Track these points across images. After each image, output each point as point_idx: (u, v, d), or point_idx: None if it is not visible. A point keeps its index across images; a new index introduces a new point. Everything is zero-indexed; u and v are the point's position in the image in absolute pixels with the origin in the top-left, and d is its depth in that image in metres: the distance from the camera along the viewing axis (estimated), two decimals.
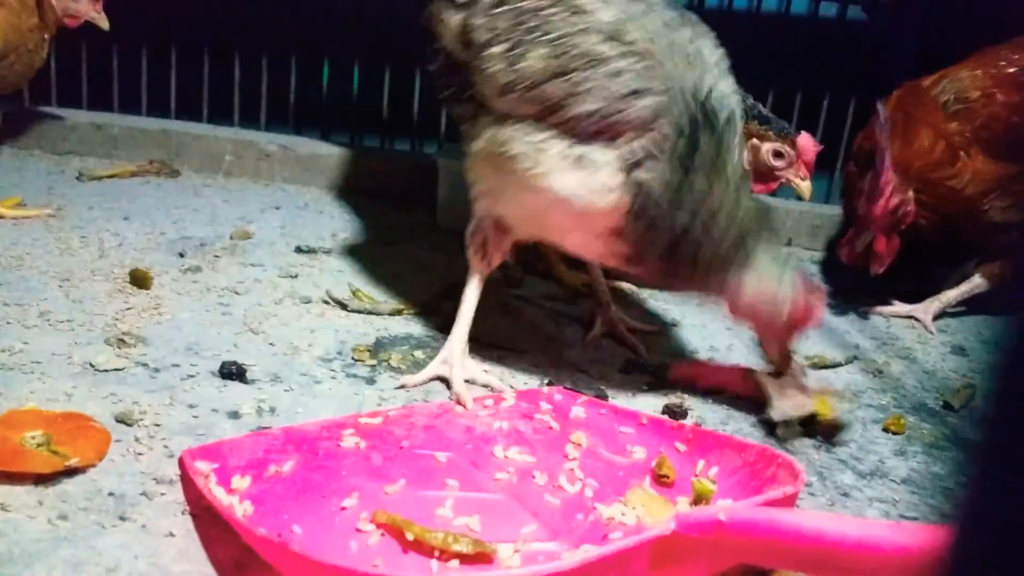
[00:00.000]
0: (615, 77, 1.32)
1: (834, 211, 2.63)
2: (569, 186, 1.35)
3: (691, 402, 1.56)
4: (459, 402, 1.42)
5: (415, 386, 1.48)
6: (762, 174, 2.00)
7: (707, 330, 1.97)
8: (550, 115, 1.35)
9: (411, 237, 2.44)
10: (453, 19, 1.48)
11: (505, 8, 1.40)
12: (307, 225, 2.38)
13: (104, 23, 2.21)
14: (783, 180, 1.97)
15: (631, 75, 1.32)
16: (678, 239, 1.37)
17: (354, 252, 2.21)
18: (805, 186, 1.96)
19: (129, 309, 1.65)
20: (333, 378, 1.48)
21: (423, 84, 3.09)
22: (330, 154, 2.86)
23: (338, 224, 2.44)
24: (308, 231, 2.32)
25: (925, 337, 2.13)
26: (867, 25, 3.21)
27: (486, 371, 1.56)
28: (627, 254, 1.43)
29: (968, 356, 2.02)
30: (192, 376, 1.41)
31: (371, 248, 2.26)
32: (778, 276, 1.41)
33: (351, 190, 2.84)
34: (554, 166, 1.35)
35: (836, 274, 2.58)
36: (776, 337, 1.48)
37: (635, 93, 1.33)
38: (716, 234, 1.37)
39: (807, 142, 1.94)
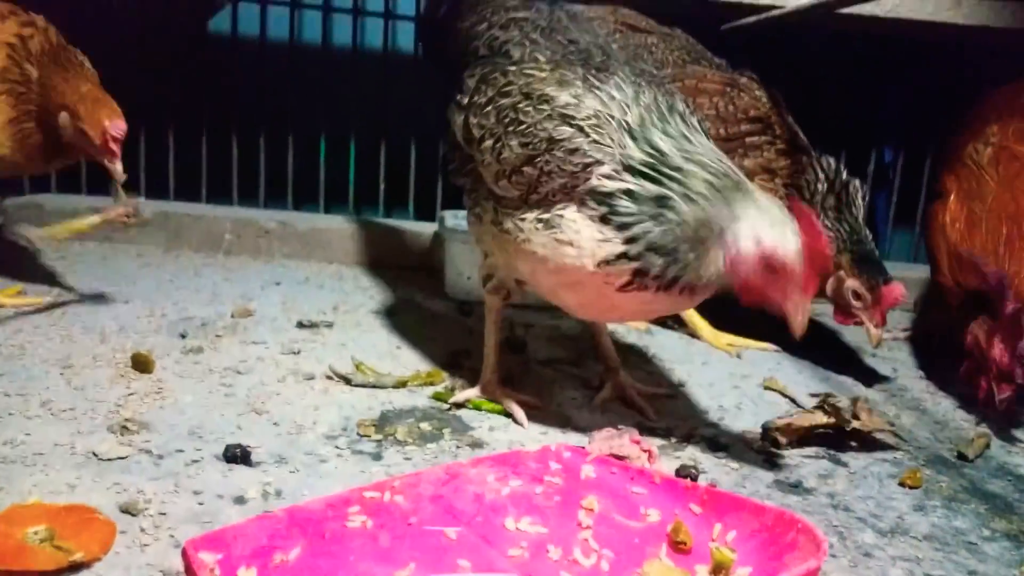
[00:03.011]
0: (572, 154, 1.44)
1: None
2: (544, 245, 1.48)
3: (704, 463, 1.54)
4: (515, 420, 1.66)
5: (459, 404, 1.71)
6: (841, 306, 2.07)
7: (715, 389, 1.95)
8: (530, 193, 1.50)
9: (412, 306, 2.44)
10: (458, 118, 1.64)
11: (491, 107, 1.56)
12: (308, 300, 2.38)
13: (118, 174, 1.98)
14: (858, 320, 2.03)
15: (585, 149, 1.43)
16: (663, 228, 1.39)
17: (356, 325, 2.20)
18: (875, 333, 2.01)
19: (131, 394, 1.63)
20: (339, 456, 1.45)
21: (418, 156, 3.14)
22: (329, 228, 2.89)
23: (339, 297, 2.44)
24: (309, 306, 2.32)
25: (934, 388, 2.11)
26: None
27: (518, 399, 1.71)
28: (627, 280, 1.43)
29: (976, 404, 2.00)
30: (196, 461, 1.39)
31: (373, 320, 2.26)
32: (772, 219, 1.38)
33: (351, 262, 2.86)
34: (530, 232, 1.50)
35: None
36: (791, 295, 1.39)
37: (594, 164, 1.43)
38: (698, 206, 1.38)
39: (891, 293, 1.97)
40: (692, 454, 1.58)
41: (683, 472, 1.47)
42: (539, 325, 2.33)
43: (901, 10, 2.42)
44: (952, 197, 2.06)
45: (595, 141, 1.44)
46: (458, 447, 1.53)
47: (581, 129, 1.45)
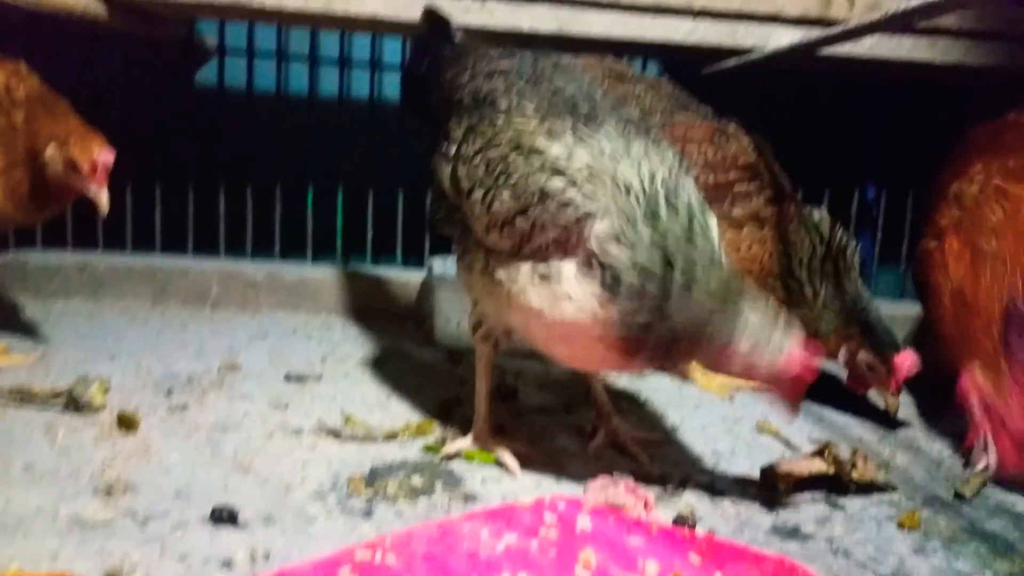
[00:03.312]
0: (564, 208, 1.43)
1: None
2: (540, 298, 1.47)
3: (702, 510, 1.51)
4: (508, 470, 1.63)
5: (451, 456, 1.68)
6: (855, 376, 2.08)
7: (708, 433, 1.93)
8: (523, 245, 1.49)
9: (401, 356, 2.42)
10: (445, 169, 1.63)
11: (480, 158, 1.56)
12: (296, 352, 2.36)
13: (104, 204, 1.98)
14: (872, 389, 2.05)
15: (578, 202, 1.43)
16: (663, 316, 1.41)
17: (345, 376, 2.18)
18: (892, 402, 2.02)
19: (117, 455, 1.60)
20: (329, 514, 1.42)
21: (406, 203, 3.15)
22: (317, 278, 2.88)
23: (327, 348, 2.42)
24: (297, 358, 2.30)
25: (928, 426, 2.10)
26: None
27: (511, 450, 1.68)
28: (621, 350, 1.45)
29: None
30: (183, 523, 1.36)
31: (362, 370, 2.24)
32: (768, 337, 1.43)
33: (340, 312, 2.84)
34: (526, 284, 1.48)
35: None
36: (780, 391, 1.49)
37: (587, 216, 1.43)
38: (699, 304, 1.41)
39: (904, 362, 1.98)
40: (689, 501, 1.56)
41: (680, 521, 1.45)
42: (530, 372, 2.31)
43: (879, 50, 2.46)
44: (951, 236, 2.03)
45: (588, 195, 1.43)
46: (450, 501, 1.50)
47: (574, 182, 1.44)
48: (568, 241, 1.44)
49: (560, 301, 1.45)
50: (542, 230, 1.46)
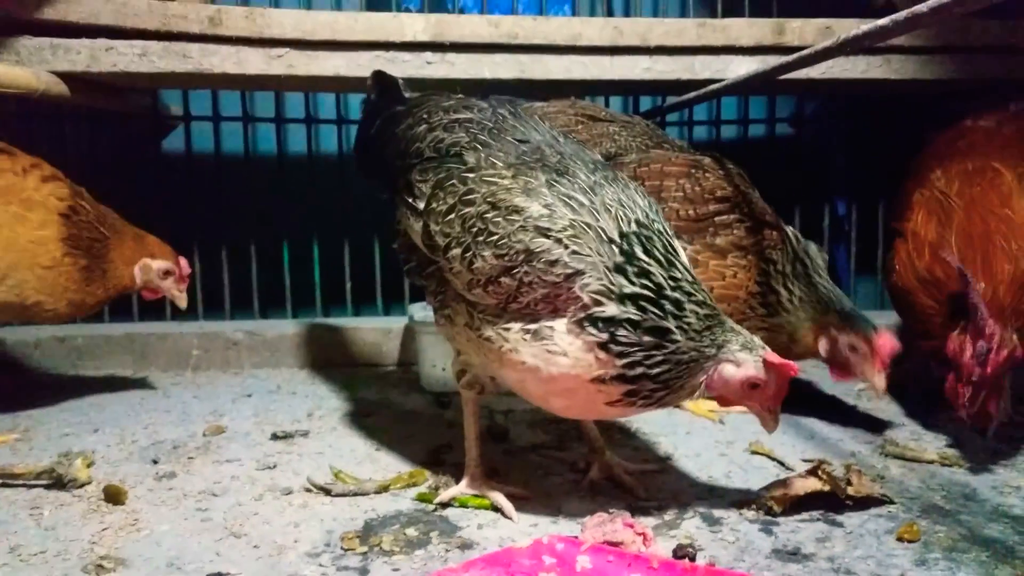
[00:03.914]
0: (553, 266, 1.45)
1: None
2: (535, 356, 1.48)
3: (701, 539, 1.50)
4: (504, 514, 1.61)
5: (445, 504, 1.66)
6: (839, 364, 2.11)
7: (702, 459, 1.93)
8: (509, 303, 1.50)
9: (388, 405, 2.40)
10: (415, 224, 1.64)
11: (453, 216, 1.55)
12: (281, 409, 2.34)
13: (183, 302, 2.33)
14: (857, 374, 2.06)
15: (566, 260, 1.45)
16: (658, 360, 1.45)
17: (332, 430, 2.16)
18: (879, 383, 2.02)
19: (105, 529, 1.57)
20: (324, 575, 1.40)
21: (383, 252, 3.15)
22: (298, 333, 2.86)
23: (313, 403, 2.40)
24: (283, 415, 2.28)
25: (918, 433, 2.11)
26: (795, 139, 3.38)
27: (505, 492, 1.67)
28: (621, 398, 1.48)
29: (964, 448, 2.00)
30: None
31: (349, 423, 2.22)
32: (752, 360, 1.50)
33: (323, 366, 2.82)
34: (517, 343, 1.49)
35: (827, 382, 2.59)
36: (765, 406, 1.55)
37: (575, 274, 1.44)
38: (690, 342, 1.46)
39: (885, 340, 2.02)
40: (687, 531, 1.55)
41: (680, 552, 1.43)
42: (519, 410, 2.30)
43: (835, 71, 2.52)
44: (918, 221, 2.08)
45: (575, 252, 1.45)
46: (447, 550, 1.48)
47: (559, 241, 1.45)
48: (558, 298, 1.45)
49: (556, 357, 1.46)
50: (530, 288, 1.46)
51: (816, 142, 3.42)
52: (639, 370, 1.44)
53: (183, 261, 2.32)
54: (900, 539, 1.51)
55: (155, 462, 1.92)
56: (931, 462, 1.90)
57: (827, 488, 1.63)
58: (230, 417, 2.24)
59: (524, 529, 1.56)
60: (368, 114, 1.91)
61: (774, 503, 1.61)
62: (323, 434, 2.13)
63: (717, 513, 1.62)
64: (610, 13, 3.34)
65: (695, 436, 2.10)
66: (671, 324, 1.45)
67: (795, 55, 1.86)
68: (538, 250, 1.45)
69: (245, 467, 1.89)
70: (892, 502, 1.67)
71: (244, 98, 3.15)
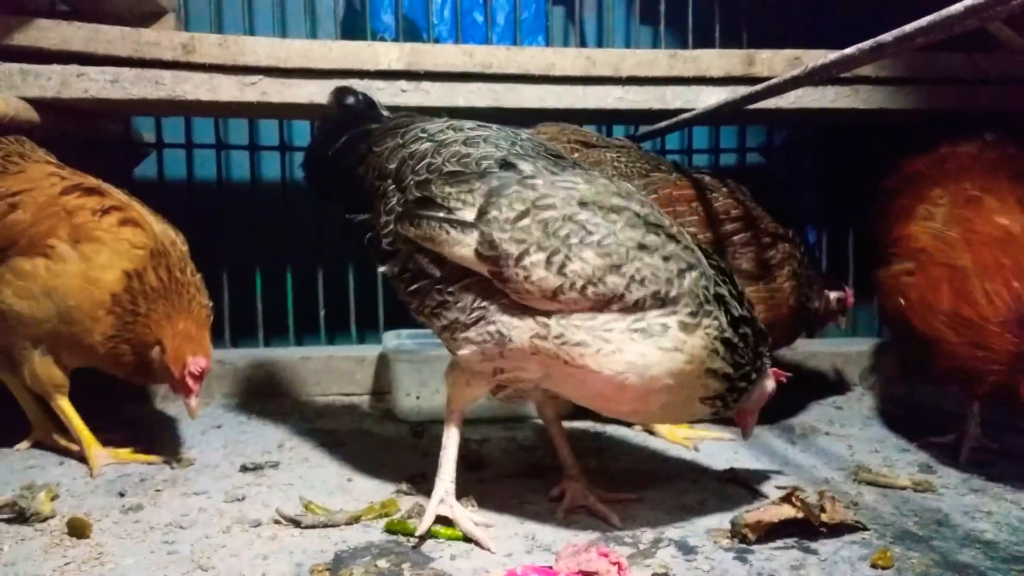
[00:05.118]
0: (667, 261, 1.51)
1: None
2: (643, 354, 1.50)
3: (676, 568, 1.49)
4: (478, 543, 1.59)
5: (423, 534, 1.62)
6: (821, 319, 2.44)
7: (676, 486, 1.92)
8: (610, 304, 1.50)
9: (361, 434, 2.37)
10: (467, 236, 1.54)
11: (528, 220, 1.52)
12: (251, 440, 2.30)
13: (192, 410, 2.01)
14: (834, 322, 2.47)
15: (677, 255, 1.54)
16: (745, 362, 1.59)
17: (303, 461, 2.13)
18: (844, 320, 2.43)
19: (68, 564, 1.53)
20: None
21: (357, 279, 3.13)
22: (269, 361, 2.83)
23: (283, 434, 2.36)
24: (253, 446, 2.24)
25: (891, 460, 2.12)
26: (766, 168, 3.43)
27: (474, 521, 1.67)
28: (712, 394, 1.58)
29: (936, 473, 2.01)
30: None
31: (321, 454, 2.19)
32: (770, 372, 1.70)
33: (295, 395, 2.79)
34: (623, 342, 1.49)
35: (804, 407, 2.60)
36: (753, 417, 1.75)
37: (687, 268, 1.54)
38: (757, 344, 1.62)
39: (849, 291, 2.46)
40: (663, 560, 1.53)
41: None
42: (494, 438, 2.29)
43: (804, 100, 2.56)
44: (927, 256, 2.03)
45: (686, 246, 1.56)
46: None
47: (672, 236, 1.54)
48: (668, 295, 1.50)
49: (669, 353, 1.50)
50: (641, 285, 1.49)
51: (785, 171, 3.46)
52: (742, 371, 1.57)
53: (194, 363, 2.00)
54: (874, 566, 1.51)
55: (121, 495, 1.88)
56: (904, 488, 1.91)
57: (801, 515, 1.62)
58: (199, 449, 2.20)
59: (498, 559, 1.54)
60: (329, 131, 1.86)
61: (748, 531, 1.60)
62: (294, 465, 2.09)
63: (692, 541, 1.61)
64: (583, 44, 3.38)
65: (670, 464, 2.10)
66: (743, 326, 1.58)
67: (764, 84, 1.88)
68: (652, 246, 1.50)
69: (213, 499, 1.85)
70: (866, 528, 1.67)
71: (217, 125, 3.14)
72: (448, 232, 1.57)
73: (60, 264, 1.97)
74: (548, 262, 1.49)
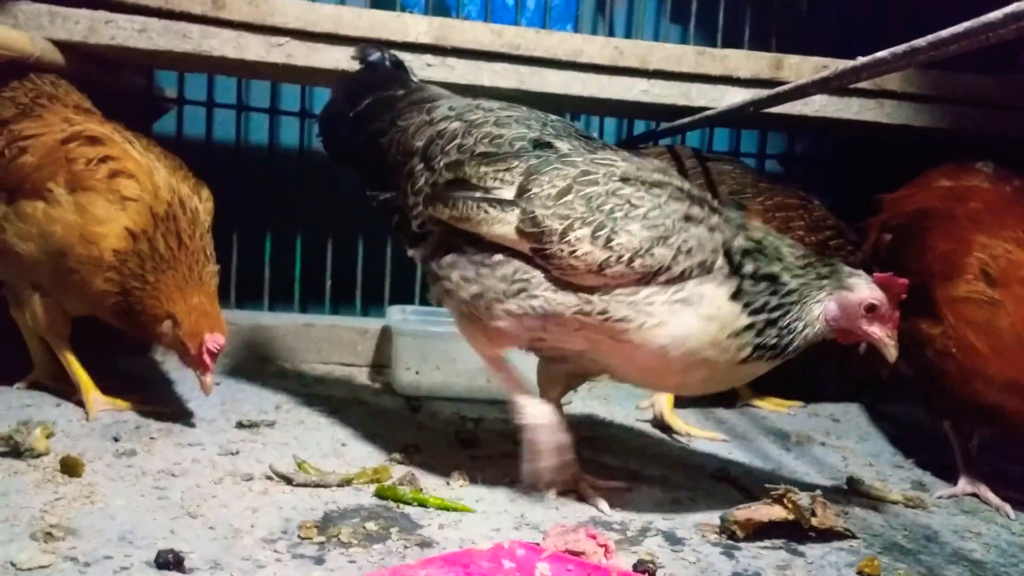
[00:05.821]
0: (713, 232, 1.56)
1: None
2: (685, 325, 1.53)
3: (662, 557, 1.49)
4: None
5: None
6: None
7: (668, 481, 1.92)
8: (656, 276, 1.52)
9: (359, 404, 2.37)
10: (507, 214, 1.55)
11: (571, 196, 1.54)
12: (249, 400, 2.30)
13: (207, 388, 1.97)
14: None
15: (719, 228, 1.58)
16: (775, 303, 1.58)
17: (299, 423, 2.13)
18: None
19: (59, 499, 1.53)
20: (278, 561, 1.37)
21: (366, 252, 3.14)
22: (273, 325, 2.83)
23: (282, 396, 2.37)
24: (250, 405, 2.24)
25: (885, 475, 2.11)
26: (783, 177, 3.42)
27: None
28: (749, 352, 1.57)
29: (929, 491, 2.00)
30: (126, 568, 1.30)
31: (317, 418, 2.19)
32: (864, 282, 1.66)
33: (296, 360, 2.79)
34: (666, 314, 1.52)
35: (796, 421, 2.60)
36: (885, 330, 1.65)
37: (731, 238, 1.58)
38: (795, 276, 1.61)
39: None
40: (649, 548, 1.54)
41: (641, 567, 1.42)
42: (489, 418, 2.29)
43: (828, 109, 2.54)
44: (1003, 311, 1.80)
45: (726, 219, 1.60)
46: (406, 547, 1.46)
47: (713, 208, 1.58)
48: (712, 264, 1.54)
49: (705, 322, 1.52)
50: (688, 256, 1.52)
51: (804, 180, 3.45)
52: (763, 316, 1.55)
53: (212, 339, 1.96)
54: (860, 573, 1.51)
55: (116, 439, 1.88)
56: (895, 503, 1.90)
57: (791, 517, 1.62)
58: (196, 403, 2.21)
59: (486, 533, 1.55)
60: (352, 90, 1.85)
61: (737, 528, 1.60)
62: (289, 426, 2.10)
63: (680, 533, 1.61)
64: (611, 33, 3.37)
65: (663, 459, 2.10)
66: (776, 268, 1.58)
67: (791, 84, 1.88)
68: (698, 217, 1.55)
69: (207, 451, 1.86)
70: (855, 536, 1.66)
71: (240, 86, 3.14)
72: (487, 211, 1.56)
73: (56, 209, 1.96)
74: (594, 236, 1.51)
